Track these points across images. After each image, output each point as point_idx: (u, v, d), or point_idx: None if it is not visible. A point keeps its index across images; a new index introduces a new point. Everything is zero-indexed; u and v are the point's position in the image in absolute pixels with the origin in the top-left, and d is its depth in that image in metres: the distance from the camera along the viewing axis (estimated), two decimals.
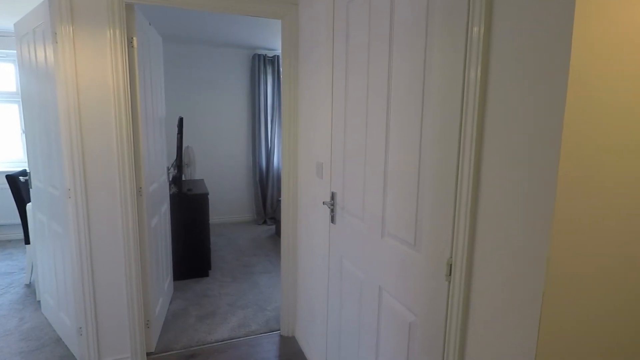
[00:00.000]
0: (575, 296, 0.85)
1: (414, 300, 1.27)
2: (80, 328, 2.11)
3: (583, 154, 0.80)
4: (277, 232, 4.74)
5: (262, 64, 5.08)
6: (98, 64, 1.95)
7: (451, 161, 1.06)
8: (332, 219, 1.83)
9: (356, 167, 1.59)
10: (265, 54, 5.09)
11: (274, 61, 5.14)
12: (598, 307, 0.88)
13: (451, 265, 1.09)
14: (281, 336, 2.56)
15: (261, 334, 2.57)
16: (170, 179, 3.45)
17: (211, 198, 5.20)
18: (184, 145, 4.92)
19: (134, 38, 2.05)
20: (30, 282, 3.26)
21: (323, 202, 1.85)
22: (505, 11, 0.90)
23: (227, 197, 5.32)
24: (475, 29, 0.97)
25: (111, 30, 1.93)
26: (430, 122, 1.14)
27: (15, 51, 4.19)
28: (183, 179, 4.05)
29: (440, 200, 1.11)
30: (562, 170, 0.79)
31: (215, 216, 5.26)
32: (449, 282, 1.10)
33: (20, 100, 4.37)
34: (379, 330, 1.48)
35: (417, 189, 1.23)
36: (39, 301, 2.90)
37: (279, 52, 5.17)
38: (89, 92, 1.95)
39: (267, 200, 5.35)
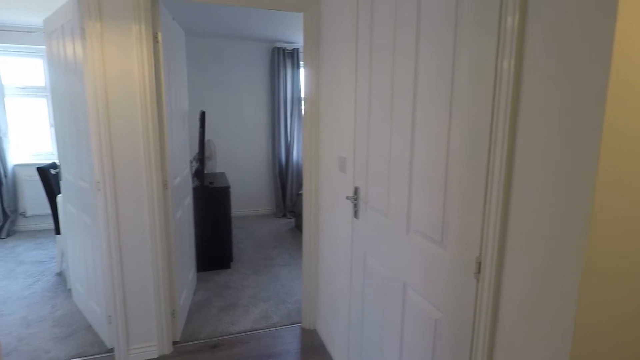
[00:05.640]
0: (612, 298, 0.82)
1: (440, 298, 1.25)
2: (110, 316, 2.19)
3: (624, 152, 0.76)
4: (297, 225, 4.76)
5: (281, 57, 5.07)
6: (125, 59, 1.98)
7: (481, 157, 1.03)
8: (356, 214, 1.82)
9: (380, 161, 1.58)
10: (285, 47, 5.08)
11: (293, 54, 5.13)
12: (637, 306, 0.85)
13: (480, 263, 1.07)
14: (302, 329, 2.58)
15: (282, 326, 2.61)
16: (193, 173, 3.51)
17: (232, 191, 5.27)
18: (205, 138, 4.98)
19: (159, 33, 2.08)
20: (60, 271, 3.39)
21: (346, 197, 1.84)
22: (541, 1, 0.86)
23: (248, 190, 5.37)
24: (509, 19, 0.93)
25: (137, 26, 1.96)
26: (460, 115, 1.12)
27: (43, 47, 4.31)
28: (205, 172, 4.11)
29: (469, 197, 1.09)
30: (602, 167, 0.76)
31: (236, 209, 5.33)
32: (478, 280, 1.08)
33: (48, 94, 4.51)
34: (403, 326, 1.48)
35: (445, 185, 1.20)
36: (70, 289, 3.01)
37: (298, 45, 5.15)
38: (116, 87, 1.99)
39: (286, 193, 5.38)
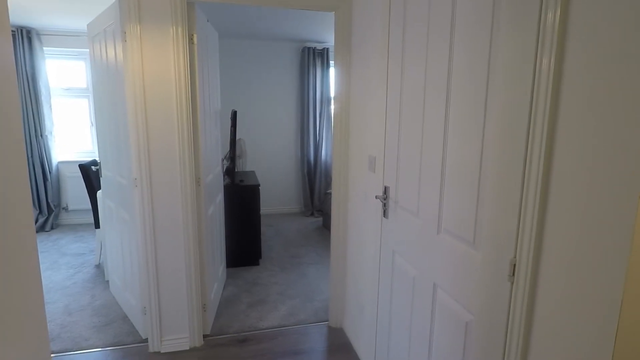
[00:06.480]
0: None
1: (471, 300, 1.23)
2: (145, 308, 2.28)
3: None
4: (325, 224, 4.78)
5: (311, 57, 5.10)
6: (162, 61, 2.05)
7: (518, 157, 1.01)
8: (385, 214, 1.81)
9: (411, 161, 1.56)
10: (315, 47, 5.11)
11: (323, 54, 5.15)
12: None
13: (515, 265, 1.04)
14: (329, 327, 2.59)
15: (310, 323, 2.62)
16: (224, 171, 3.59)
17: (261, 189, 5.34)
18: (236, 137, 5.08)
19: (194, 35, 2.14)
20: (99, 263, 3.56)
21: (376, 196, 1.83)
22: None
23: (276, 189, 5.44)
24: (550, 14, 0.90)
25: (174, 28, 2.03)
26: (495, 113, 1.09)
27: (86, 50, 4.53)
28: (235, 170, 4.19)
29: (504, 198, 1.06)
30: None
31: (265, 207, 5.40)
32: (512, 282, 1.05)
33: (89, 95, 4.74)
34: (432, 327, 1.45)
35: (478, 185, 1.18)
36: (107, 281, 3.16)
37: (328, 44, 5.17)
38: (154, 87, 2.07)
39: (314, 192, 5.41)
